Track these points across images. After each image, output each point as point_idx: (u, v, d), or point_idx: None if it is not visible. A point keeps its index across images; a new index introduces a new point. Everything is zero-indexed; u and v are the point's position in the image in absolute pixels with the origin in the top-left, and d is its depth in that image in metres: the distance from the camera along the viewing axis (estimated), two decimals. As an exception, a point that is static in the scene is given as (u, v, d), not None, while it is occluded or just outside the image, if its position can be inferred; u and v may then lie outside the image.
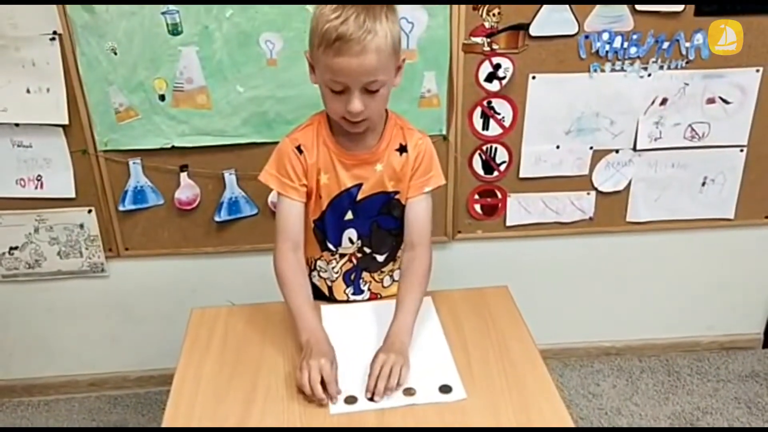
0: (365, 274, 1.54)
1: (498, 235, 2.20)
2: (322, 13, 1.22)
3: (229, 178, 2.03)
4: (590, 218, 2.19)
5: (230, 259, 2.16)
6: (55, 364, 2.32)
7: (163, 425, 1.22)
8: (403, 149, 1.41)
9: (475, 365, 1.33)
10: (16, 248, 2.11)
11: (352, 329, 1.44)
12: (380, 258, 1.52)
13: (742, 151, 2.11)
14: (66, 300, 2.22)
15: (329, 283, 1.56)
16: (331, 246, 1.49)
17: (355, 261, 1.51)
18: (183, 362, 1.36)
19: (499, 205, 2.15)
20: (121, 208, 2.05)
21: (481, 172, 2.10)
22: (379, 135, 1.40)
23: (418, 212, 1.44)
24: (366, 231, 1.47)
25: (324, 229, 1.47)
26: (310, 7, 1.83)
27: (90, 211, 2.06)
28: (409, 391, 1.26)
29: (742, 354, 2.46)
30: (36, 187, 2.02)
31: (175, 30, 1.84)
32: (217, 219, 2.08)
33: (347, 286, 1.54)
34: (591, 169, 2.11)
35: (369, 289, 1.56)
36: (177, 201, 2.05)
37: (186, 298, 2.18)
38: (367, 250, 1.50)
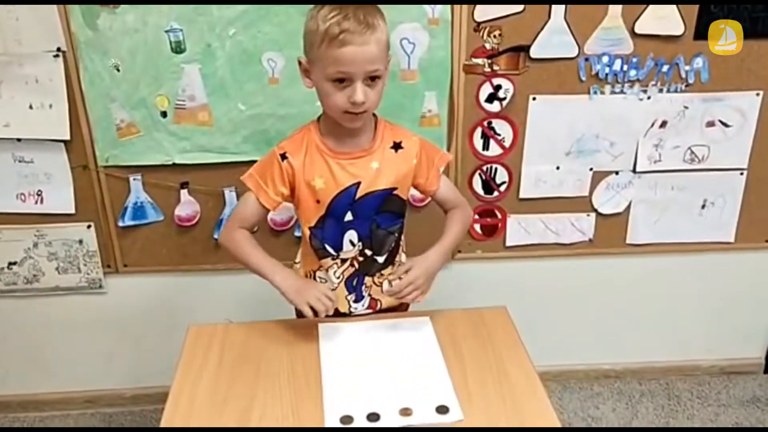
0: (367, 279, 1.55)
1: (497, 256, 2.19)
2: (320, 14, 1.29)
3: (230, 195, 2.03)
4: (590, 240, 2.18)
5: (228, 276, 2.16)
6: (50, 381, 2.31)
7: (158, 442, 1.21)
8: (397, 146, 1.47)
9: (472, 386, 1.31)
10: (14, 263, 2.11)
11: (348, 350, 1.44)
12: (380, 259, 1.54)
13: (742, 174, 2.12)
14: (63, 316, 2.21)
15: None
16: (331, 251, 1.51)
17: (356, 265, 1.53)
18: (179, 379, 1.35)
19: (499, 225, 2.15)
20: (120, 224, 2.05)
21: (481, 192, 2.10)
22: (372, 134, 1.46)
23: (444, 192, 1.56)
24: (366, 232, 1.49)
25: (322, 236, 1.49)
26: (312, 27, 1.85)
27: (89, 227, 2.06)
28: (406, 411, 1.25)
29: (743, 379, 2.44)
30: (36, 202, 2.02)
31: (178, 48, 1.86)
32: (216, 236, 2.08)
33: (349, 293, 1.55)
34: (591, 191, 2.11)
35: (369, 295, 1.57)
36: (177, 217, 2.05)
37: (183, 316, 2.15)
38: (368, 253, 1.52)
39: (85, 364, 2.29)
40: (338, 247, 1.50)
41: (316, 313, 1.39)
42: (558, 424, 1.22)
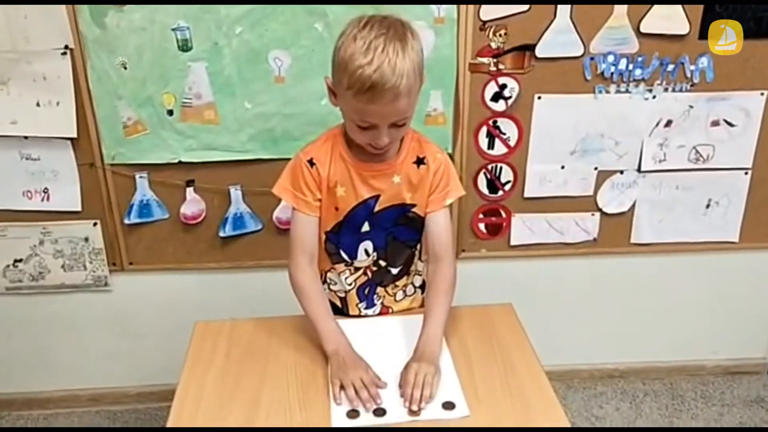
0: (379, 289, 1.53)
1: (502, 255, 2.20)
2: (352, 54, 1.19)
3: (235, 193, 2.04)
4: (594, 239, 2.19)
5: (234, 274, 2.16)
6: (55, 378, 2.31)
7: (165, 437, 1.21)
8: (420, 161, 1.41)
9: (479, 382, 1.32)
10: (20, 260, 2.11)
11: (363, 345, 1.42)
12: (394, 271, 1.51)
13: (746, 173, 2.12)
14: (68, 313, 2.21)
15: (341, 295, 1.54)
16: (345, 257, 1.49)
17: (370, 274, 1.51)
18: (186, 375, 1.35)
19: (504, 224, 2.15)
20: (126, 222, 2.05)
21: (485, 191, 2.10)
22: (397, 148, 1.40)
23: (439, 225, 1.45)
24: (382, 243, 1.47)
25: (338, 242, 1.47)
26: (318, 25, 1.85)
27: (95, 224, 2.07)
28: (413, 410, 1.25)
29: (747, 379, 2.44)
30: (42, 200, 2.03)
31: (185, 46, 1.86)
32: (221, 234, 2.08)
33: (360, 301, 1.54)
34: (596, 190, 2.11)
35: (382, 303, 1.55)
36: (182, 215, 2.06)
37: (188, 314, 2.14)
38: (383, 263, 1.50)
39: (90, 362, 2.29)
40: (353, 255, 1.48)
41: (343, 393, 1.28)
42: (566, 421, 1.22)
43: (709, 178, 2.12)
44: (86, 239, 2.09)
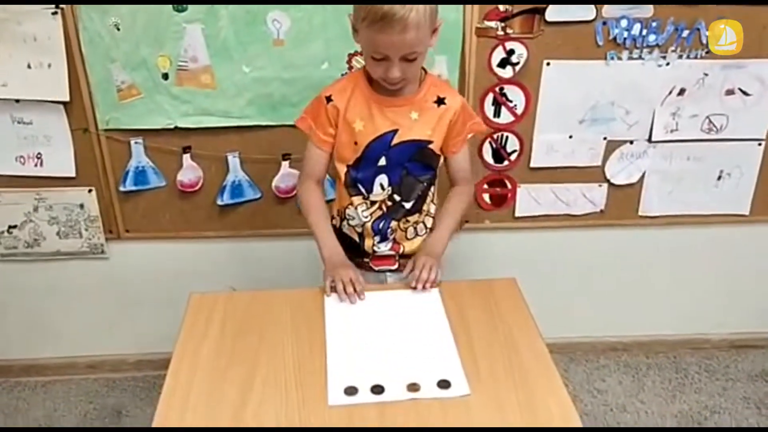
0: (393, 223, 1.61)
1: (506, 226, 2.15)
2: None
3: (233, 160, 1.99)
4: (601, 211, 2.13)
5: (232, 243, 2.13)
6: (53, 346, 2.30)
7: (158, 411, 1.19)
8: (441, 101, 1.53)
9: (480, 360, 1.28)
10: (15, 227, 2.08)
11: (354, 320, 1.41)
12: (408, 205, 1.60)
13: (760, 144, 2.06)
14: (65, 281, 2.18)
15: (359, 230, 1.62)
16: (362, 190, 1.58)
17: (385, 209, 1.59)
18: (180, 347, 1.33)
19: (509, 195, 2.10)
20: (122, 189, 2.01)
21: (491, 161, 2.05)
22: (417, 86, 1.51)
23: (460, 160, 1.61)
24: (396, 179, 1.56)
25: (356, 175, 1.57)
26: (320, -13, 1.78)
27: (90, 191, 2.02)
28: (413, 387, 1.22)
29: (753, 353, 2.41)
30: (36, 165, 1.98)
31: (180, 7, 1.79)
32: (219, 202, 2.04)
33: (375, 234, 1.62)
34: (604, 161, 2.05)
35: (394, 239, 1.63)
36: (179, 183, 2.01)
37: (186, 283, 2.12)
38: (397, 198, 1.59)
39: (88, 330, 2.28)
40: (369, 189, 1.58)
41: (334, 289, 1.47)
42: (568, 401, 1.19)
43: (722, 148, 2.05)
44: (81, 206, 2.05)
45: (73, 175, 1.99)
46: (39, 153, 1.97)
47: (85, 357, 2.32)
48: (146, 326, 2.27)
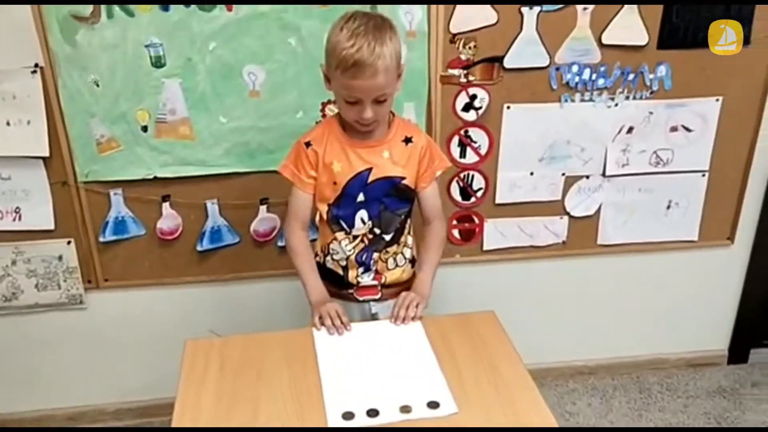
0: (375, 254, 1.70)
1: (475, 259, 2.26)
2: (339, 41, 1.45)
3: (212, 207, 2.05)
4: (563, 242, 2.26)
5: (212, 288, 2.17)
6: (31, 398, 2.27)
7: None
8: (408, 140, 1.65)
9: (467, 382, 1.37)
10: (-9, 281, 2.08)
11: (344, 352, 1.48)
12: (387, 237, 1.69)
13: (703, 176, 2.22)
14: (43, 332, 2.18)
15: (343, 264, 1.71)
16: (344, 226, 1.67)
17: (366, 241, 1.68)
18: (181, 393, 1.36)
19: (477, 230, 2.21)
20: (101, 239, 2.04)
21: (458, 198, 2.16)
22: (386, 128, 1.64)
23: (430, 196, 1.71)
24: (375, 212, 1.66)
25: (338, 213, 1.66)
26: (292, 40, 1.88)
27: (69, 243, 2.05)
28: (405, 409, 1.30)
29: (709, 370, 2.55)
30: (14, 219, 2.00)
31: (158, 62, 1.87)
32: (199, 248, 2.09)
33: (359, 266, 1.70)
34: (563, 195, 2.19)
35: (375, 270, 1.72)
36: (159, 231, 2.05)
37: (166, 329, 2.17)
38: (377, 231, 1.68)
39: (66, 381, 2.26)
40: (351, 224, 1.67)
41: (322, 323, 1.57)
42: (551, 418, 1.28)
43: (669, 180, 2.21)
44: (60, 258, 2.06)
45: (52, 227, 2.02)
46: (17, 207, 1.99)
47: (63, 409, 2.29)
48: (125, 375, 2.25)
